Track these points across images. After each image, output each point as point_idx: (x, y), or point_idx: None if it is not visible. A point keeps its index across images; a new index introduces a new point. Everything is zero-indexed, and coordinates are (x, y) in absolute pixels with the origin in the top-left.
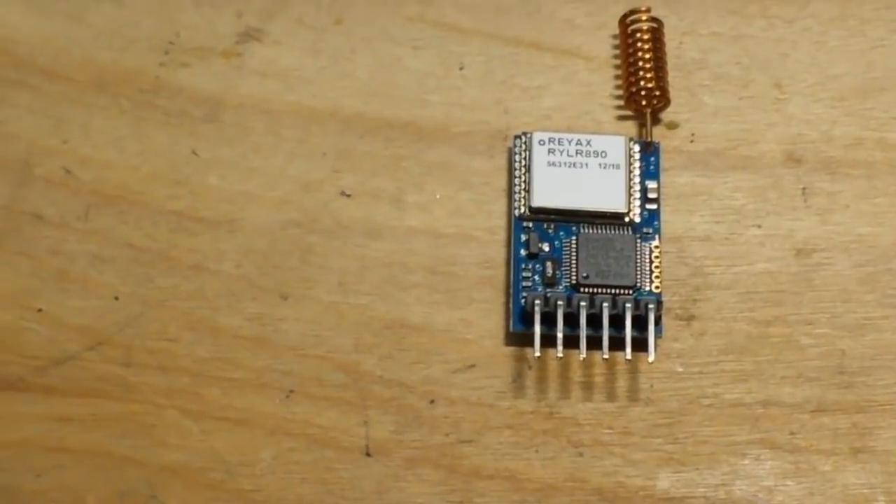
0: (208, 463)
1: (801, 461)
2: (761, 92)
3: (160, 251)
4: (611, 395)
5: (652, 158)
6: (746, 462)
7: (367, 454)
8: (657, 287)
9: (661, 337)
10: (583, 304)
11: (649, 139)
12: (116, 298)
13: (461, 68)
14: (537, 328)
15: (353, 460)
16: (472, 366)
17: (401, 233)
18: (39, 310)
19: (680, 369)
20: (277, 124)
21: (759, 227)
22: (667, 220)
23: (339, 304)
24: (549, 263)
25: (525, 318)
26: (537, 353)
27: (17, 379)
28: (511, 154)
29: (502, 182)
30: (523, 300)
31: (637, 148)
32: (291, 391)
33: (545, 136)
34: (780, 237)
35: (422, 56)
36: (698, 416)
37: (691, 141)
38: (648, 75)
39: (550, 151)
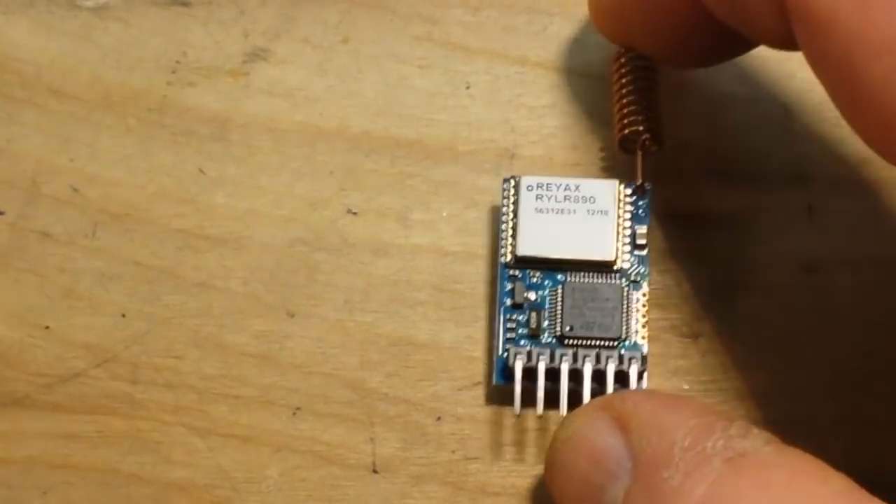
0: (215, 480)
1: None
2: (767, 110)
3: (167, 269)
4: None
5: (642, 203)
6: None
7: (374, 471)
8: (643, 337)
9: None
10: (565, 360)
11: (640, 182)
12: (123, 316)
13: (468, 87)
14: (517, 388)
15: (359, 477)
16: (479, 383)
17: (407, 251)
18: (46, 327)
19: (686, 387)
20: (284, 143)
21: (766, 244)
22: (674, 239)
23: (345, 321)
24: (533, 315)
25: (507, 372)
26: (517, 412)
27: (24, 396)
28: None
29: None
30: (505, 353)
31: (629, 191)
32: (298, 408)
33: (533, 181)
34: (787, 255)
35: (428, 75)
36: None
37: (698, 160)
38: (640, 118)
39: (538, 198)
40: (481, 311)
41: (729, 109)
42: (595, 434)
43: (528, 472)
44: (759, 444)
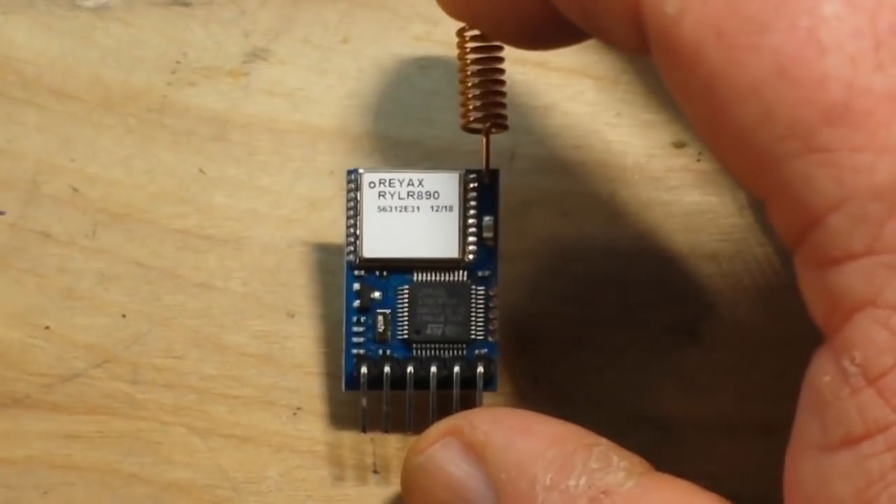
0: (215, 480)
1: None
2: None
3: (167, 269)
4: None
5: (489, 192)
6: (753, 482)
7: (374, 471)
8: (493, 337)
9: (495, 391)
10: (411, 366)
11: (486, 167)
12: (123, 316)
13: None
14: (363, 402)
15: (359, 478)
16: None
17: None
18: (46, 327)
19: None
20: (284, 143)
21: (766, 245)
22: (674, 239)
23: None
24: (380, 318)
25: (354, 382)
26: (363, 431)
27: (24, 396)
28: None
29: (509, 201)
30: (354, 360)
31: (474, 177)
32: (298, 409)
33: (375, 177)
34: (788, 255)
35: (429, 75)
36: (704, 435)
37: (698, 160)
38: (483, 102)
39: (381, 195)
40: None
41: None
42: (448, 463)
43: None
44: (621, 478)
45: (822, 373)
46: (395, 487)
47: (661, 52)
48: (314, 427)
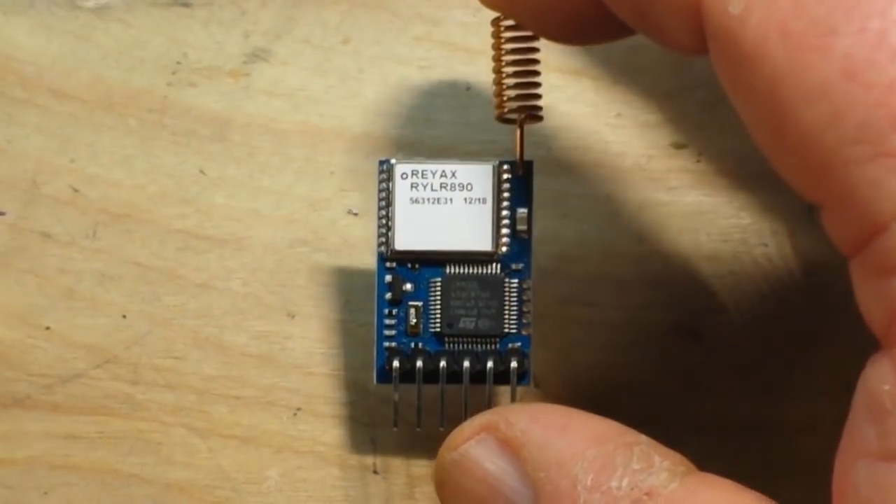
0: (215, 481)
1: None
2: None
3: (167, 269)
4: None
5: (522, 183)
6: (753, 482)
7: (375, 472)
8: (527, 331)
9: (528, 385)
10: (443, 364)
11: (521, 158)
12: (124, 316)
13: (468, 88)
14: (395, 396)
15: (360, 478)
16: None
17: None
18: (47, 328)
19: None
20: (284, 143)
21: (766, 245)
22: (674, 240)
23: (346, 321)
24: (412, 311)
25: (386, 375)
26: (395, 428)
27: (25, 396)
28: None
29: None
30: (386, 353)
31: (508, 168)
32: (298, 409)
33: (408, 168)
34: (787, 256)
35: (429, 76)
36: (704, 435)
37: (697, 161)
38: (518, 93)
39: (413, 186)
40: None
41: (729, 109)
42: (484, 459)
43: None
44: (664, 478)
45: (881, 381)
46: (395, 487)
47: (723, 51)
48: (314, 427)
